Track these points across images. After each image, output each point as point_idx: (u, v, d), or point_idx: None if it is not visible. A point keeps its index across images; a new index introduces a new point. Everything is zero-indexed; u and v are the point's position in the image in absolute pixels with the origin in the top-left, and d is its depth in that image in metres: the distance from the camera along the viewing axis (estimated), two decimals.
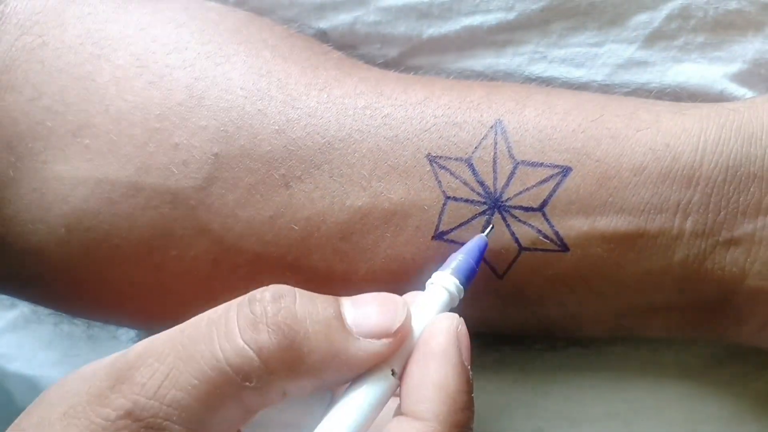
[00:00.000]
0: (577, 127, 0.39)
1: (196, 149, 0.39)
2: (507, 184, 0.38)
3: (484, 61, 0.44)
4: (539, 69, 0.44)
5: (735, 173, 0.38)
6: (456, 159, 0.39)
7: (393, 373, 0.34)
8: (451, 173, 0.39)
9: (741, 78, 0.43)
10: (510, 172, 0.38)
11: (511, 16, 0.44)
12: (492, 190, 0.39)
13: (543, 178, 0.38)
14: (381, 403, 0.34)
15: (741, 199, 0.38)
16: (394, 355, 0.34)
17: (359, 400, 0.33)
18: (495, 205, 0.38)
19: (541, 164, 0.38)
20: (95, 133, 0.40)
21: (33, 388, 0.55)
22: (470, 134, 0.39)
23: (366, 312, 0.34)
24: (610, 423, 0.43)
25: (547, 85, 0.43)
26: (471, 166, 0.39)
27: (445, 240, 0.39)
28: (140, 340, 0.34)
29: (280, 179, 0.39)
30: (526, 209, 0.38)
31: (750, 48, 0.43)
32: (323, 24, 0.45)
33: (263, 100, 0.40)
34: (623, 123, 0.39)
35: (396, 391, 0.34)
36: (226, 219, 0.39)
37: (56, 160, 0.40)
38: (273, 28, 0.43)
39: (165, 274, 0.41)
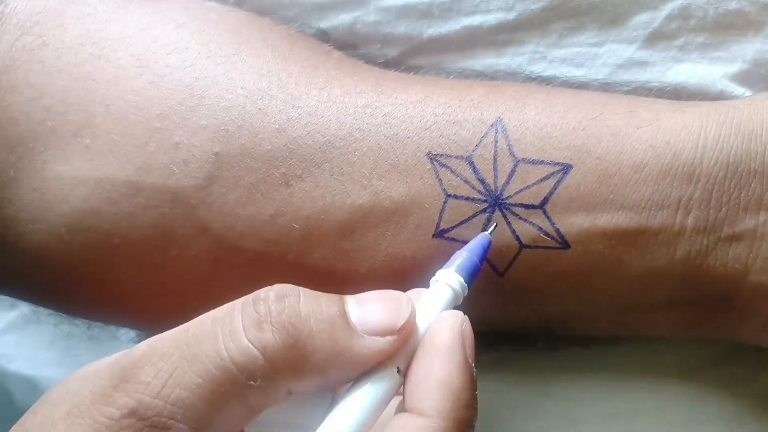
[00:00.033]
0: (578, 124, 0.39)
1: (196, 148, 0.39)
2: (508, 181, 0.38)
3: (485, 61, 0.44)
4: (539, 69, 0.44)
5: (736, 169, 0.38)
6: (456, 157, 0.39)
7: (398, 371, 0.34)
8: (452, 171, 0.39)
9: (741, 78, 0.43)
10: (511, 169, 0.38)
11: (511, 16, 0.44)
12: (493, 187, 0.39)
13: (544, 175, 0.38)
14: (385, 401, 0.34)
15: (742, 194, 0.38)
16: (398, 353, 0.34)
17: (363, 397, 0.33)
18: (496, 203, 0.38)
19: (542, 162, 0.38)
20: (96, 133, 0.40)
21: (33, 388, 0.55)
22: (471, 132, 0.39)
23: (370, 309, 0.34)
24: (611, 423, 0.43)
25: (547, 84, 0.43)
26: (472, 164, 0.39)
27: (445, 238, 0.39)
28: (140, 340, 0.34)
29: (281, 178, 0.39)
30: (527, 207, 0.38)
31: (750, 48, 0.43)
32: (323, 24, 0.45)
33: (264, 99, 0.40)
34: (623, 121, 0.39)
35: (398, 390, 0.34)
36: (226, 218, 0.39)
37: (56, 160, 0.40)
38: (273, 28, 0.44)
39: (165, 274, 0.41)
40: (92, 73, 0.41)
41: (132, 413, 0.31)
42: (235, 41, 0.41)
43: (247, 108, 0.39)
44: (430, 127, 0.39)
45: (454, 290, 0.36)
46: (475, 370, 0.34)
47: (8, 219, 0.41)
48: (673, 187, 0.38)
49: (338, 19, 0.45)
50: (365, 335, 0.33)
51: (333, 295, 0.34)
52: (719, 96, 0.43)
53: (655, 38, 0.44)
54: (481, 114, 0.39)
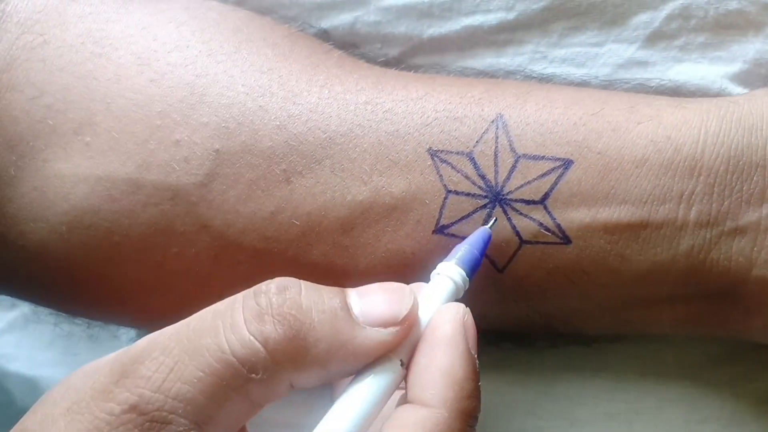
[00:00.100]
0: (578, 120, 0.39)
1: (197, 146, 0.39)
2: (508, 177, 0.38)
3: (485, 60, 0.44)
4: (540, 68, 0.44)
5: (737, 163, 0.38)
6: (457, 153, 0.39)
7: (401, 363, 0.33)
8: (453, 167, 0.39)
9: (741, 78, 0.43)
10: (511, 165, 0.38)
11: (512, 16, 0.44)
12: (493, 183, 0.39)
13: (544, 171, 0.38)
14: (388, 394, 0.33)
15: (744, 188, 0.37)
16: (401, 345, 0.33)
17: (366, 389, 0.33)
18: (496, 199, 0.38)
19: (543, 157, 0.38)
20: (96, 130, 0.40)
21: (33, 388, 0.55)
22: (471, 128, 0.39)
23: (373, 301, 0.33)
24: (611, 423, 0.43)
25: (548, 82, 0.43)
26: (472, 159, 0.39)
27: (446, 234, 0.39)
28: None
29: (281, 174, 0.39)
30: (528, 202, 0.38)
31: (750, 48, 0.43)
32: (324, 23, 0.45)
33: (264, 97, 0.40)
34: (624, 116, 0.39)
35: (401, 383, 0.34)
36: (227, 215, 0.39)
37: (57, 158, 0.40)
38: (274, 27, 0.44)
39: (166, 272, 0.40)
40: (93, 72, 0.41)
41: (132, 408, 0.31)
42: (236, 40, 0.42)
43: (248, 105, 0.40)
44: (431, 123, 0.39)
45: (455, 282, 0.36)
46: (477, 362, 0.34)
47: (9, 217, 0.41)
48: (675, 181, 0.38)
49: (339, 19, 0.45)
50: (367, 326, 0.33)
51: (334, 287, 0.34)
52: (719, 95, 0.43)
53: (655, 38, 0.44)
54: (482, 110, 0.39)
